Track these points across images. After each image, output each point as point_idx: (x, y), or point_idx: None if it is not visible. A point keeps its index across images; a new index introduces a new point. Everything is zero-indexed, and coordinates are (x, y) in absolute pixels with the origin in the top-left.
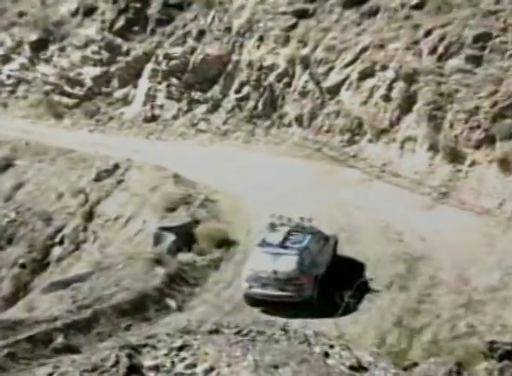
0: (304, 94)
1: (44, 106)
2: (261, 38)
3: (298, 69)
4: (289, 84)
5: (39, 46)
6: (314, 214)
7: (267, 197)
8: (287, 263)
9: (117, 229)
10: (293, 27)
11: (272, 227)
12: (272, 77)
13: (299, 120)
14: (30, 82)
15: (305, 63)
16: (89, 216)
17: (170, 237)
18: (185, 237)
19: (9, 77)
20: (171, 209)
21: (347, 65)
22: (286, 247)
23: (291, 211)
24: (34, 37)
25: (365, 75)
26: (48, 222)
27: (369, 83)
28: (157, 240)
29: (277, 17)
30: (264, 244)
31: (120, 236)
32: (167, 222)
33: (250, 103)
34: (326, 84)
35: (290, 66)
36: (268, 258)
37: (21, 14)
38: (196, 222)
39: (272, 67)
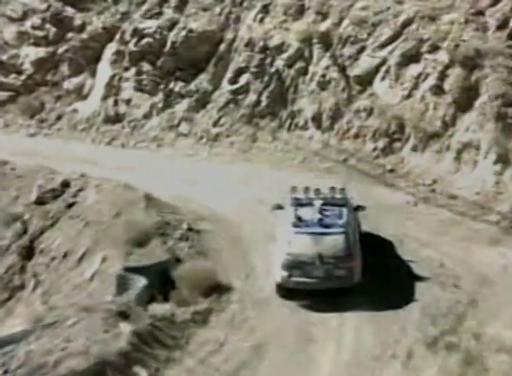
0: (324, 85)
1: None
2: (265, 8)
3: (316, 50)
4: (304, 72)
5: None
6: None
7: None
8: (333, 244)
9: (67, 270)
10: None
11: (297, 201)
12: (280, 62)
13: (317, 120)
14: None
15: (326, 42)
16: (28, 252)
17: (139, 282)
18: (161, 282)
19: None
20: (141, 243)
21: (383, 45)
22: (327, 226)
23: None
24: None
25: (408, 59)
26: None
27: (413, 70)
28: (122, 285)
29: None
30: (299, 223)
31: (70, 280)
32: (135, 261)
33: (251, 97)
34: (354, 71)
35: (304, 47)
36: (309, 240)
37: None
38: (176, 260)
39: (280, 48)
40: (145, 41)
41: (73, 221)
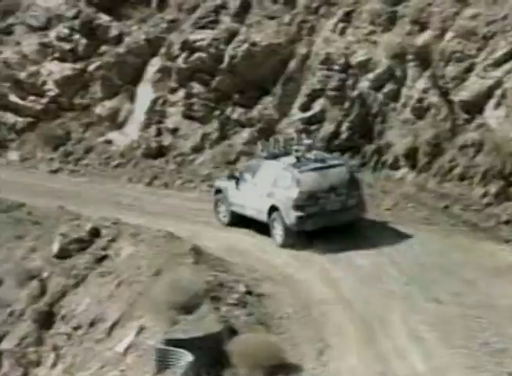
0: (420, 112)
1: None
2: (347, 16)
3: (411, 69)
4: (395, 96)
5: None
6: None
7: (351, 296)
8: (340, 175)
9: (94, 342)
10: None
11: (274, 154)
12: (365, 84)
13: (411, 157)
14: None
15: (423, 58)
16: (46, 319)
17: (185, 358)
18: (212, 358)
19: None
20: (188, 308)
21: (497, 63)
22: (325, 161)
23: None
24: None
25: None
26: None
27: None
28: (163, 362)
29: None
30: (300, 163)
31: (98, 354)
32: (179, 332)
33: (327, 128)
34: (459, 95)
35: (396, 65)
36: (317, 175)
37: None
38: (231, 331)
39: (365, 66)
40: (196, 56)
41: (103, 279)
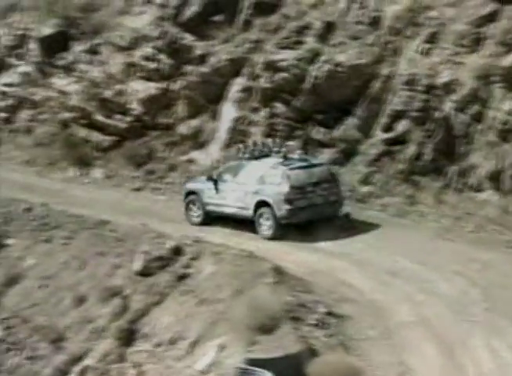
0: (506, 134)
1: (59, 145)
2: (432, 37)
3: (497, 90)
4: (480, 118)
5: (54, 46)
6: None
7: (434, 319)
8: (323, 173)
9: (175, 359)
10: (490, 17)
11: (254, 155)
12: (449, 105)
13: (496, 179)
14: (37, 106)
15: (510, 80)
16: (128, 337)
17: None
18: None
19: (3, 96)
20: (268, 328)
21: None
22: (308, 160)
23: None
24: (46, 30)
25: None
26: (57, 346)
27: None
28: None
29: (461, 2)
30: (288, 162)
31: (179, 372)
32: (259, 352)
33: (410, 149)
34: None
35: (481, 86)
36: (303, 173)
37: None
38: (311, 352)
39: (450, 87)
40: (279, 76)
41: (184, 298)
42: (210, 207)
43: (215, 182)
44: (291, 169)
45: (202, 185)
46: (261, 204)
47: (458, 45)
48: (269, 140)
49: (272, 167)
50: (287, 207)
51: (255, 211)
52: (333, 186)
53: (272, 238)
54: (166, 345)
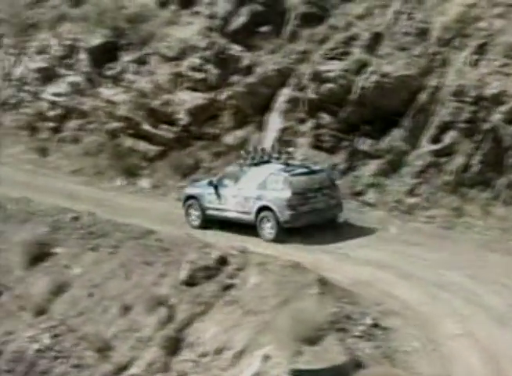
0: None
1: (107, 155)
2: (480, 48)
3: None
4: None
5: (103, 56)
6: None
7: (480, 333)
8: (323, 179)
9: (220, 370)
10: None
11: (254, 161)
12: (497, 116)
13: None
14: (85, 115)
15: None
16: (173, 346)
17: None
18: None
19: (52, 105)
20: (313, 339)
21: None
22: (308, 167)
23: None
24: (95, 40)
25: None
26: (103, 355)
27: None
28: None
29: (510, 13)
30: (289, 168)
31: None
32: (304, 363)
33: (458, 161)
34: None
35: None
36: (305, 178)
37: (76, 2)
38: (356, 363)
39: (498, 99)
40: (326, 86)
41: (229, 308)
42: (210, 212)
43: (216, 187)
44: (293, 175)
45: (202, 190)
46: (263, 208)
47: (507, 56)
48: (269, 147)
49: (274, 173)
50: (290, 212)
51: (257, 215)
52: (332, 191)
53: (274, 240)
54: (211, 355)
